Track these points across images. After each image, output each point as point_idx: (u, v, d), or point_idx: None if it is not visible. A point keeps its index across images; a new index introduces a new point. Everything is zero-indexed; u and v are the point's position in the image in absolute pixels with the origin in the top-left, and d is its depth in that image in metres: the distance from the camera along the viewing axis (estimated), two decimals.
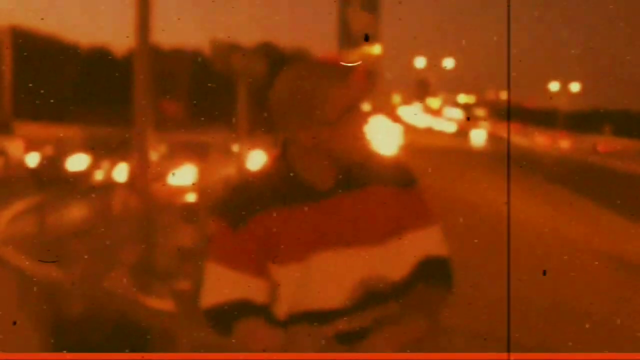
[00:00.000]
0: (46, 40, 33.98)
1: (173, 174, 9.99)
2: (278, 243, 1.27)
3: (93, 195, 8.43)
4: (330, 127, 1.28)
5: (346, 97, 1.30)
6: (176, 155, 11.24)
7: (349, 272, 1.30)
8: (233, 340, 1.27)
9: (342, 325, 1.29)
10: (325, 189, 1.31)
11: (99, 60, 38.33)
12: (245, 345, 1.27)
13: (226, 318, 1.27)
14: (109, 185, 10.08)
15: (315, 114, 1.28)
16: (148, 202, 4.83)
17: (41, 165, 12.76)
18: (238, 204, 1.30)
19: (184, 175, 10.19)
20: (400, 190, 1.34)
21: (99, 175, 11.82)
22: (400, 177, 1.36)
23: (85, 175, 12.00)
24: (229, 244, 1.28)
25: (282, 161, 1.34)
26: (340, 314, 1.30)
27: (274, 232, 1.28)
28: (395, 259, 1.31)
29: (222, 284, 1.27)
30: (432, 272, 1.32)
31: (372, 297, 1.31)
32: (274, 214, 1.28)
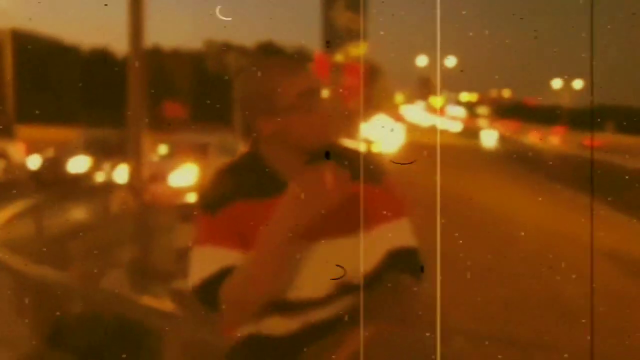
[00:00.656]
0: (47, 42, 34.02)
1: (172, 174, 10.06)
2: (253, 232, 1.30)
3: (94, 196, 8.49)
4: (286, 114, 1.32)
5: (298, 83, 1.33)
6: (175, 155, 11.31)
7: (321, 262, 1.34)
8: (223, 308, 1.29)
9: (316, 314, 1.34)
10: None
11: (100, 63, 38.40)
12: (235, 304, 1.29)
13: (213, 288, 1.29)
14: (109, 186, 10.14)
15: (271, 102, 1.32)
16: (145, 203, 4.87)
17: (42, 167, 12.83)
18: (216, 193, 1.35)
19: (183, 176, 10.24)
20: (370, 183, 1.37)
21: (99, 177, 11.89)
22: (369, 170, 1.40)
23: (85, 177, 12.07)
24: (209, 226, 1.33)
25: (254, 155, 1.39)
26: (314, 304, 1.34)
27: (249, 220, 1.32)
28: (366, 250, 1.35)
29: (205, 261, 1.32)
30: (401, 262, 1.35)
31: (344, 287, 1.35)
32: (248, 204, 1.33)
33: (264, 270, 1.28)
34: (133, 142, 4.49)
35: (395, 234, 1.36)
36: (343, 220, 1.34)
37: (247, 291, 1.28)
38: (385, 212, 1.36)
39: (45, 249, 4.78)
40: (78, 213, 7.16)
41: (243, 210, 1.33)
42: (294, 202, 1.23)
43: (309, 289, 1.34)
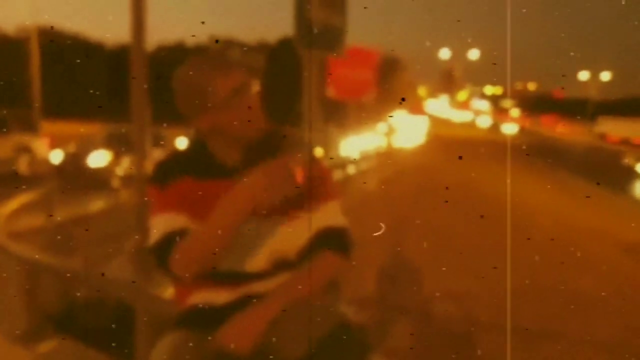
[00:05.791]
0: (71, 39, 34.57)
1: None
2: (198, 205, 1.42)
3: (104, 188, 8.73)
4: (220, 110, 1.42)
5: (229, 81, 1.43)
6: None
7: (260, 240, 1.44)
8: (172, 263, 1.39)
9: (254, 287, 1.45)
10: (235, 167, 1.46)
11: (121, 59, 38.90)
12: (185, 258, 1.40)
13: (165, 248, 1.41)
14: (120, 179, 10.39)
15: (204, 100, 1.42)
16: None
17: (64, 161, 13.17)
18: (164, 171, 1.49)
19: None
20: (303, 167, 1.44)
21: (117, 171, 12.17)
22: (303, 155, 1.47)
23: (105, 170, 12.36)
24: (159, 198, 1.46)
25: (198, 143, 1.51)
26: (252, 277, 1.45)
27: (194, 195, 1.44)
28: (299, 229, 1.46)
29: (157, 226, 1.44)
30: (329, 241, 1.47)
31: (280, 263, 1.46)
32: (193, 181, 1.46)
33: (216, 237, 1.38)
34: (137, 135, 4.62)
35: (326, 215, 1.48)
36: (281, 203, 1.42)
37: (197, 253, 1.39)
38: (316, 194, 1.47)
39: (55, 237, 4.99)
40: (88, 204, 7.39)
41: (189, 186, 1.45)
42: (257, 185, 1.34)
43: (249, 263, 1.45)
